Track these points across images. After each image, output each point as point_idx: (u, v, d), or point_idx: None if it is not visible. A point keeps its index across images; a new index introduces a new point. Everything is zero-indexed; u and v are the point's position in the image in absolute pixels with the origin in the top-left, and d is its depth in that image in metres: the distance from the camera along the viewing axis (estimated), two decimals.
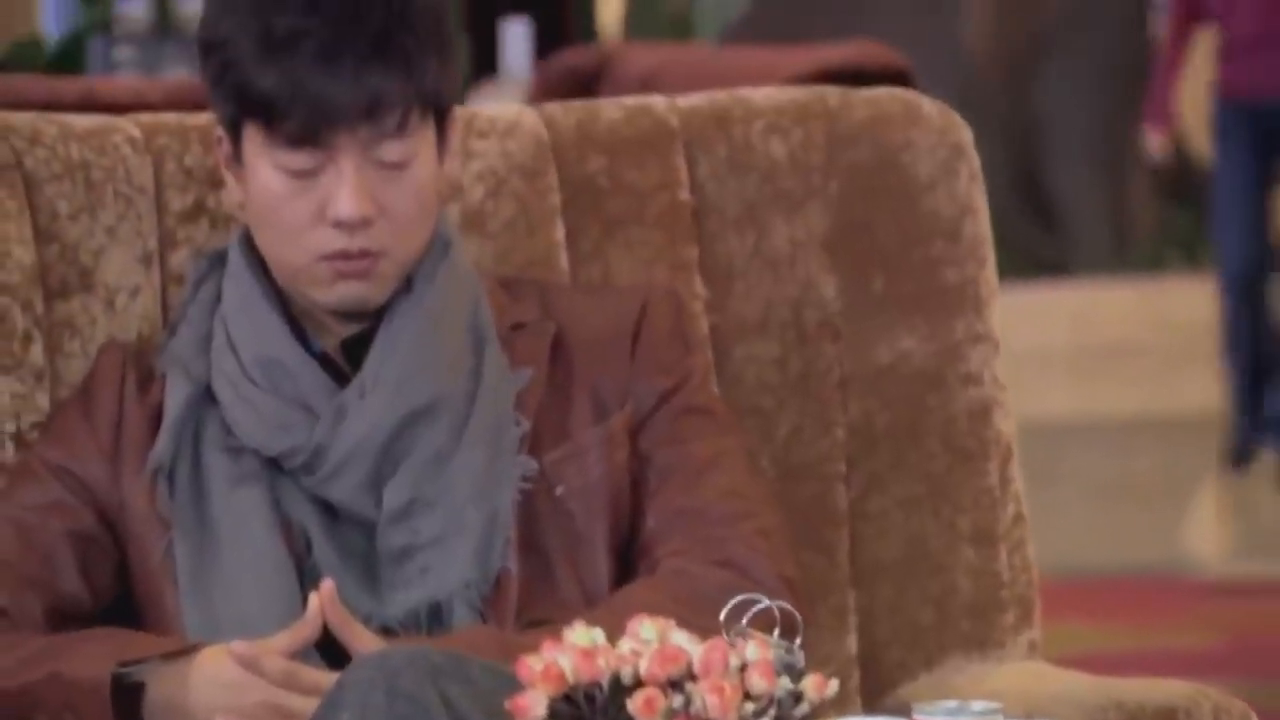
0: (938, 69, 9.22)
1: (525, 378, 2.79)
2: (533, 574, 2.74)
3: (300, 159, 2.71)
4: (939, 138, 3.06)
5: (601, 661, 2.14)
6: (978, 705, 2.41)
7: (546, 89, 5.38)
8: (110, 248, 2.90)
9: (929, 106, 3.09)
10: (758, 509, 2.80)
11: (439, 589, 2.72)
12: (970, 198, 3.06)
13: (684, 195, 3.03)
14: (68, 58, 6.58)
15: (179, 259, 2.92)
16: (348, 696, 2.43)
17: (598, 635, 2.18)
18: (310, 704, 2.53)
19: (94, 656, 2.63)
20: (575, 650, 2.16)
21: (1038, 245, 11.15)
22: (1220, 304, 7.97)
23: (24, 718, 2.63)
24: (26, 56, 6.45)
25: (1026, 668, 3.01)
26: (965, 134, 3.08)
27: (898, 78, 4.47)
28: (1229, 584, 7.21)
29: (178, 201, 2.93)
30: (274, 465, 2.75)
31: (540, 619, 2.69)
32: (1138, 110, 9.20)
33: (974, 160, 3.07)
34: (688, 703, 2.12)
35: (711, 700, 2.12)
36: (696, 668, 2.14)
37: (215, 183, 2.92)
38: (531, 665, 2.17)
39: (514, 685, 2.47)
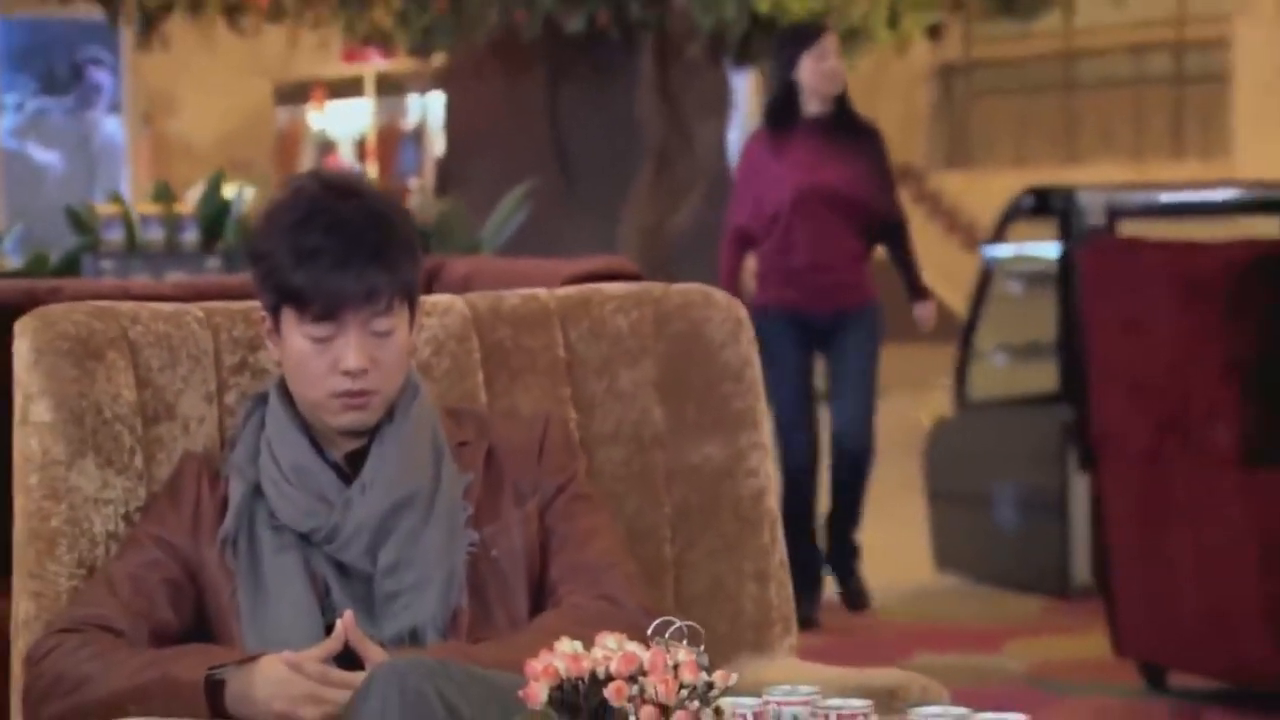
0: None
1: (469, 478, 2.74)
2: (477, 609, 2.68)
3: (320, 330, 2.66)
4: (727, 314, 3.02)
5: (585, 663, 2.10)
6: (803, 688, 2.39)
7: None
8: (185, 391, 2.81)
9: (719, 295, 3.05)
10: (623, 561, 2.76)
11: (416, 619, 2.65)
12: (749, 354, 3.01)
13: (561, 353, 2.97)
14: (67, 267, 6.47)
15: (231, 398, 2.83)
16: (373, 689, 2.39)
17: (578, 646, 2.13)
18: (336, 694, 2.49)
19: (191, 664, 2.55)
20: (566, 656, 2.11)
21: None
22: (783, 495, 6.68)
23: (140, 705, 2.54)
24: (38, 266, 6.35)
25: (790, 663, 2.96)
26: (743, 312, 3.04)
27: (634, 277, 4.45)
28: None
29: (229, 359, 2.85)
30: (304, 538, 2.68)
31: (482, 638, 2.64)
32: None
33: (750, 330, 3.03)
34: (643, 690, 2.09)
35: (660, 688, 2.08)
36: (646, 666, 2.10)
37: (254, 347, 2.84)
38: (534, 665, 2.11)
39: (480, 679, 2.43)
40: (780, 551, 3.02)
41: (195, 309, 2.86)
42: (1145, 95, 19.05)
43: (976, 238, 15.04)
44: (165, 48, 10.52)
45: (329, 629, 2.59)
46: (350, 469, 2.71)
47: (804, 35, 6.78)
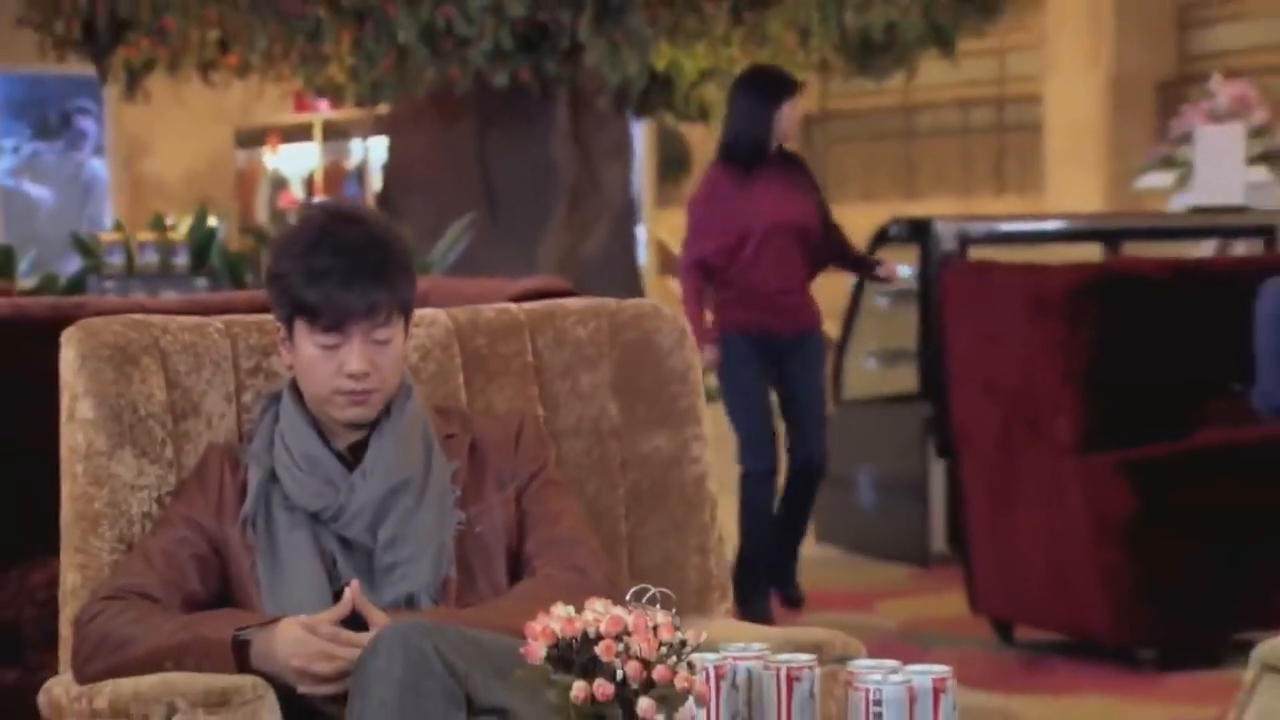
0: None
1: (455, 466, 2.69)
2: (463, 579, 2.64)
3: (328, 339, 2.60)
4: (672, 325, 2.98)
5: (577, 624, 2.06)
6: (755, 645, 2.36)
7: None
8: (208, 391, 2.75)
9: (664, 309, 3.01)
10: (588, 538, 2.71)
11: (412, 587, 2.60)
12: (691, 360, 2.97)
13: (530, 359, 2.93)
14: (74, 286, 6.36)
15: (248, 397, 2.77)
16: (380, 648, 2.36)
17: (571, 610, 2.09)
18: (347, 652, 2.44)
19: (220, 626, 2.50)
20: (561, 618, 2.07)
21: None
22: (742, 492, 6.13)
23: (176, 662, 2.49)
24: (48, 284, 6.24)
25: (729, 623, 2.92)
26: (686, 324, 3.01)
27: (568, 293, 4.39)
28: None
29: (246, 364, 2.78)
30: (314, 518, 2.62)
31: (468, 603, 2.60)
32: None
33: (692, 339, 3.00)
34: (628, 648, 2.05)
35: (643, 645, 2.04)
36: (630, 627, 2.06)
37: (267, 353, 2.78)
38: (534, 627, 2.07)
39: (470, 639, 2.38)
40: (719, 528, 2.98)
41: (216, 321, 2.80)
42: (972, 142, 19.16)
43: None
44: (146, 100, 10.40)
45: (336, 596, 2.54)
46: (353, 457, 2.66)
47: (790, 84, 6.21)
